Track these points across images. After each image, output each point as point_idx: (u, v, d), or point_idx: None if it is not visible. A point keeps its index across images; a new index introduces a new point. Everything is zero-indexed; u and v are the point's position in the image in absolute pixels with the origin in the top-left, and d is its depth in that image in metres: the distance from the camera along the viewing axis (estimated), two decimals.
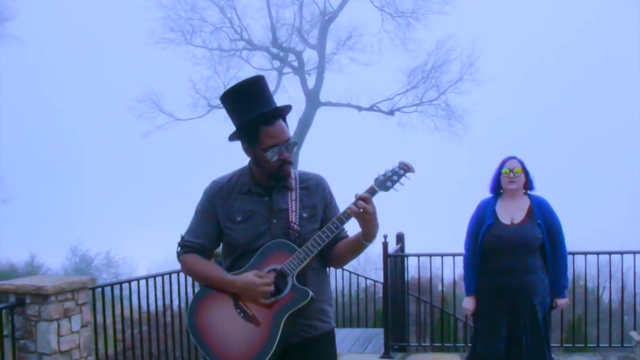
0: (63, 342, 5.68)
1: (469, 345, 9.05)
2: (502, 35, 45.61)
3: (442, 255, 8.80)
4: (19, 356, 5.64)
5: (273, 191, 3.40)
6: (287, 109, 3.41)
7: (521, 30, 50.41)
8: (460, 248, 5.88)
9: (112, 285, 6.81)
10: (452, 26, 30.26)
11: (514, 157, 5.61)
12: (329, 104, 30.88)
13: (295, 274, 3.24)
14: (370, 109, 30.80)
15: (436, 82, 30.44)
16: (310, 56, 31.23)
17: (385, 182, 3.23)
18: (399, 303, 9.14)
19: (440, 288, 13.31)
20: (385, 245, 8.53)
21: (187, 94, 30.73)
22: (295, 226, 3.33)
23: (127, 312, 8.32)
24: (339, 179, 3.61)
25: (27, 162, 45.30)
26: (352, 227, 3.32)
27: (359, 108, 30.86)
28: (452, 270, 8.69)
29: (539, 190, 5.67)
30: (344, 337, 10.09)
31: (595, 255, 8.31)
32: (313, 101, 29.53)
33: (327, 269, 3.59)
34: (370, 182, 3.26)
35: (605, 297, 12.14)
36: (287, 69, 30.97)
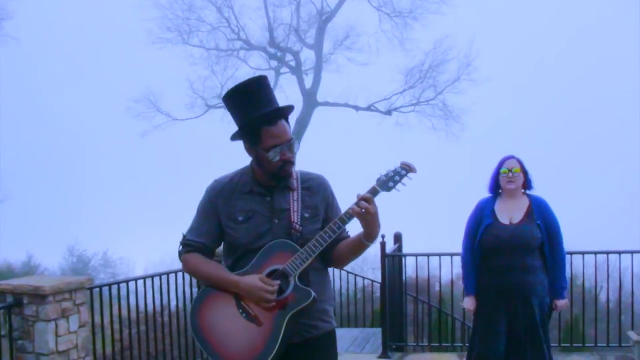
0: (61, 342, 5.68)
1: (467, 345, 9.07)
2: (499, 35, 45.72)
3: (439, 255, 8.78)
4: (16, 356, 5.64)
5: (275, 191, 3.39)
6: (289, 109, 3.41)
7: (519, 30, 50.51)
8: (458, 248, 5.87)
9: (109, 285, 6.81)
10: (449, 26, 30.34)
11: (512, 157, 5.59)
12: (326, 103, 30.87)
13: (297, 274, 3.23)
14: (368, 108, 30.81)
15: (433, 82, 30.46)
16: (307, 56, 31.26)
17: (387, 182, 3.22)
18: (396, 303, 9.13)
19: (437, 288, 13.32)
20: (382, 245, 8.54)
21: (184, 94, 30.76)
22: (297, 226, 3.33)
23: (124, 312, 8.31)
24: (336, 179, 3.60)
25: (24, 162, 45.29)
26: (354, 228, 3.33)
27: (357, 108, 30.86)
28: (450, 270, 8.69)
29: (537, 190, 5.67)
30: (341, 336, 10.03)
31: (593, 255, 8.31)
32: (310, 101, 29.52)
33: (328, 269, 3.59)
34: (368, 182, 3.25)
35: (602, 297, 12.15)
36: (284, 69, 30.96)
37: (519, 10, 50.86)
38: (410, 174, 3.25)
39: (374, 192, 3.21)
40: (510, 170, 5.50)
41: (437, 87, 30.36)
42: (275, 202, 3.37)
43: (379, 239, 8.42)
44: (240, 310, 3.27)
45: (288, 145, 3.29)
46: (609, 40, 48.01)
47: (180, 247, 3.49)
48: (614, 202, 42.01)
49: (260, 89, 3.34)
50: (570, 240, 5.69)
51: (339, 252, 3.43)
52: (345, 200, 3.55)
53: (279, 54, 30.95)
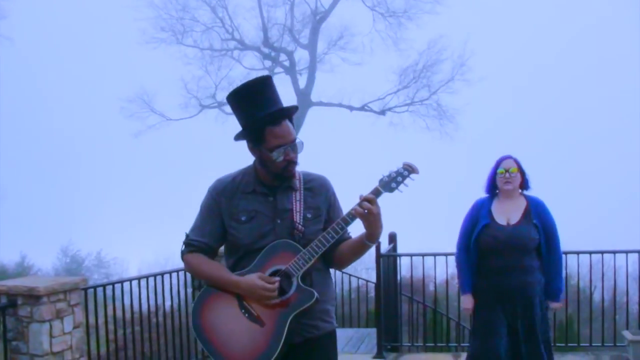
0: (55, 343, 5.67)
1: (462, 345, 9.07)
2: (494, 36, 45.69)
3: (434, 254, 8.78)
4: (10, 358, 5.62)
5: (277, 191, 3.39)
6: (293, 109, 3.40)
7: (516, 31, 50.45)
8: (453, 248, 5.84)
9: (104, 286, 6.80)
10: (443, 26, 30.35)
11: (509, 157, 5.57)
12: (320, 103, 30.93)
13: (300, 275, 3.23)
14: (362, 108, 30.88)
15: (427, 82, 30.56)
16: (301, 56, 31.32)
17: (390, 183, 3.23)
18: (391, 303, 9.14)
19: (432, 288, 13.31)
20: (377, 245, 8.52)
21: (178, 94, 30.78)
22: (300, 226, 3.33)
23: (119, 313, 8.29)
24: (330, 179, 3.60)
25: (18, 162, 45.13)
26: (356, 229, 3.33)
27: (351, 108, 30.93)
28: (445, 270, 8.69)
29: (533, 190, 5.65)
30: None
31: (588, 255, 8.31)
32: (304, 101, 29.56)
33: (329, 269, 3.59)
34: (363, 182, 3.27)
35: (597, 297, 12.16)
36: (278, 69, 30.99)
37: (516, 11, 50.83)
38: (412, 175, 3.26)
39: (376, 193, 3.21)
40: (507, 171, 5.48)
41: (431, 87, 30.48)
42: (279, 203, 3.37)
43: None
44: (243, 311, 3.27)
45: (292, 145, 3.29)
46: (608, 41, 48.02)
47: (183, 246, 3.48)
48: (608, 203, 42.06)
49: (265, 89, 3.34)
50: (565, 240, 5.68)
51: (340, 253, 3.43)
52: (341, 201, 3.56)
53: (273, 54, 30.99)
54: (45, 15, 50.39)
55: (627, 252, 8.29)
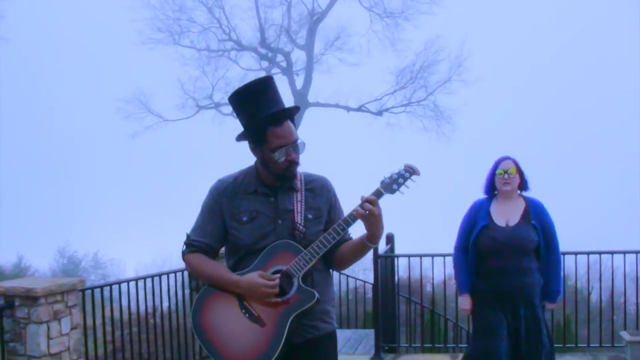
0: (53, 345, 5.65)
1: (460, 345, 9.07)
2: (492, 36, 45.80)
3: (432, 255, 8.77)
4: (8, 359, 5.60)
5: (279, 192, 3.40)
6: (294, 109, 3.40)
7: (515, 31, 50.56)
8: (451, 249, 5.84)
9: (101, 287, 6.78)
10: (440, 26, 30.42)
11: (508, 158, 5.55)
12: (317, 104, 30.94)
13: (301, 275, 3.24)
14: (359, 109, 30.89)
15: (424, 83, 30.58)
16: (298, 57, 31.33)
17: (391, 184, 3.24)
18: (389, 304, 9.12)
19: (429, 289, 13.32)
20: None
21: (175, 95, 30.79)
22: (301, 227, 3.33)
23: (116, 314, 8.28)
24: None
25: (15, 163, 45.10)
26: (356, 230, 3.32)
27: (348, 108, 30.94)
28: (443, 270, 8.69)
29: (532, 191, 5.64)
30: None
31: (586, 255, 8.30)
32: (301, 102, 29.53)
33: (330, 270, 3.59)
34: (360, 182, 3.27)
35: (594, 297, 12.16)
36: (275, 70, 30.95)
37: (514, 11, 50.94)
38: (413, 177, 3.27)
39: (378, 194, 3.22)
40: (506, 172, 5.46)
41: (428, 88, 30.50)
42: (280, 203, 3.38)
43: None
44: (243, 311, 3.27)
45: (293, 146, 3.30)
46: (607, 41, 48.10)
47: (184, 246, 3.48)
48: (607, 203, 42.14)
49: (267, 89, 3.34)
50: (564, 240, 5.68)
51: (341, 254, 3.43)
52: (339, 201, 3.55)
53: (270, 54, 30.99)
54: (42, 16, 50.46)
55: (624, 252, 8.29)
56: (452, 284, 7.12)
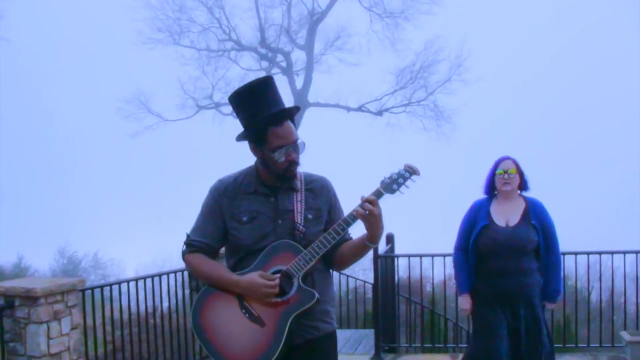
0: (53, 345, 5.64)
1: (460, 345, 9.07)
2: (492, 36, 45.81)
3: (432, 255, 8.77)
4: (8, 359, 5.60)
5: (279, 192, 3.40)
6: (295, 109, 3.40)
7: (514, 31, 50.56)
8: (451, 249, 5.84)
9: (101, 287, 6.78)
10: (440, 26, 30.41)
11: (508, 158, 5.55)
12: (317, 104, 30.94)
13: (301, 275, 3.23)
14: (359, 109, 30.89)
15: (424, 83, 30.57)
16: (298, 57, 31.33)
17: (392, 184, 3.24)
18: (389, 304, 9.12)
19: (429, 289, 13.31)
20: None
21: (175, 95, 30.78)
22: (301, 227, 3.33)
23: (116, 314, 8.28)
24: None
25: (15, 163, 45.09)
26: (357, 230, 3.32)
27: (348, 108, 30.94)
28: (443, 271, 8.68)
29: (532, 191, 5.63)
30: None
31: (585, 255, 8.30)
32: (301, 102, 29.52)
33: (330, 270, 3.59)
34: (360, 183, 3.27)
35: (594, 297, 12.16)
36: (275, 70, 30.94)
37: (514, 11, 50.94)
38: (414, 177, 3.27)
39: (378, 194, 3.22)
40: (506, 172, 5.45)
41: (428, 88, 30.49)
42: (280, 203, 3.38)
43: None
44: (244, 311, 3.27)
45: (294, 146, 3.30)
46: (607, 41, 48.10)
47: (184, 246, 3.48)
48: (606, 203, 42.14)
49: (267, 89, 3.34)
50: (564, 240, 5.68)
51: (341, 254, 3.43)
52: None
53: (270, 54, 30.98)
54: (42, 16, 50.45)
55: (624, 252, 8.29)
56: (452, 284, 7.12)
